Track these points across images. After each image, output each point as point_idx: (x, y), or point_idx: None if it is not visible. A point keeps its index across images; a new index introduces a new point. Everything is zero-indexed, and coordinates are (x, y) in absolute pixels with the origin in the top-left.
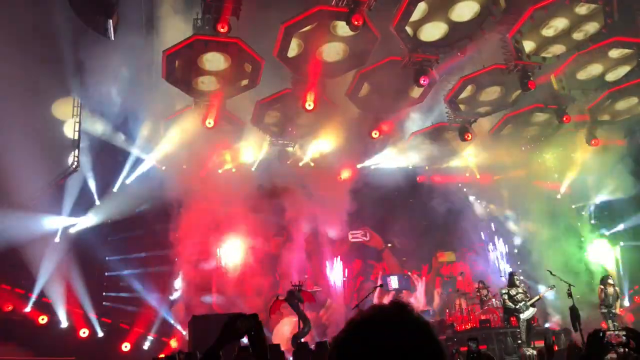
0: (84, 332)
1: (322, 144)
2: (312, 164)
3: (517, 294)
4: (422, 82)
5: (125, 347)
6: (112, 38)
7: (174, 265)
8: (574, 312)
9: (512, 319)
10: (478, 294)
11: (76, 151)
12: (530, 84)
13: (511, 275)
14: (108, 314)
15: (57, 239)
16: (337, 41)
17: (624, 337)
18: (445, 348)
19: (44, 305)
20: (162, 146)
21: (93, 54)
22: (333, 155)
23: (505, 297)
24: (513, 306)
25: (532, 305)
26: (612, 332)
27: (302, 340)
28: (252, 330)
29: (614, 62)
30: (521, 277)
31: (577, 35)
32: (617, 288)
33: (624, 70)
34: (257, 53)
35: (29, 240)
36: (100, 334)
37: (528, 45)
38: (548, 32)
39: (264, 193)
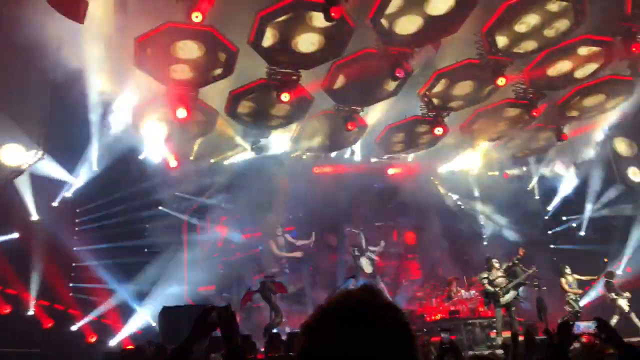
0: (48, 323)
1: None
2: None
3: (496, 278)
4: (397, 75)
5: (92, 338)
6: (83, 23)
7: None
8: (540, 302)
9: (480, 308)
10: (447, 288)
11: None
12: (502, 78)
13: (488, 259)
14: (75, 306)
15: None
16: (313, 32)
17: (595, 328)
18: (415, 334)
19: (8, 296)
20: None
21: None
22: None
23: (485, 281)
24: (492, 290)
25: (514, 288)
26: (578, 323)
27: (274, 331)
28: (225, 322)
29: (583, 59)
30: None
31: (549, 32)
32: (575, 275)
33: (592, 67)
34: (232, 42)
35: None
36: (67, 325)
37: (501, 41)
38: (520, 28)
39: None
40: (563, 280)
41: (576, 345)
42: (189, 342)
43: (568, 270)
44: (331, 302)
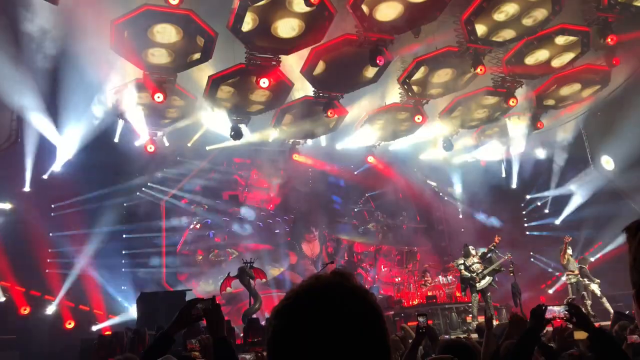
0: (24, 309)
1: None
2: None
3: (472, 264)
4: (378, 61)
5: (69, 324)
6: (57, 4)
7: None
8: (514, 288)
9: (456, 294)
10: (424, 279)
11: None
12: (481, 67)
13: (466, 246)
14: (51, 292)
15: None
16: (293, 17)
17: (567, 313)
18: (385, 316)
19: None
20: None
21: None
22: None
23: (462, 267)
24: (469, 275)
25: (489, 274)
26: (552, 307)
27: (253, 316)
28: (211, 314)
29: (560, 48)
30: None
31: (527, 21)
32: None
33: (568, 57)
34: (210, 26)
35: None
36: (43, 312)
37: (480, 29)
38: (499, 16)
39: None
40: (565, 257)
41: (549, 329)
42: (171, 332)
43: (569, 251)
44: (301, 285)
